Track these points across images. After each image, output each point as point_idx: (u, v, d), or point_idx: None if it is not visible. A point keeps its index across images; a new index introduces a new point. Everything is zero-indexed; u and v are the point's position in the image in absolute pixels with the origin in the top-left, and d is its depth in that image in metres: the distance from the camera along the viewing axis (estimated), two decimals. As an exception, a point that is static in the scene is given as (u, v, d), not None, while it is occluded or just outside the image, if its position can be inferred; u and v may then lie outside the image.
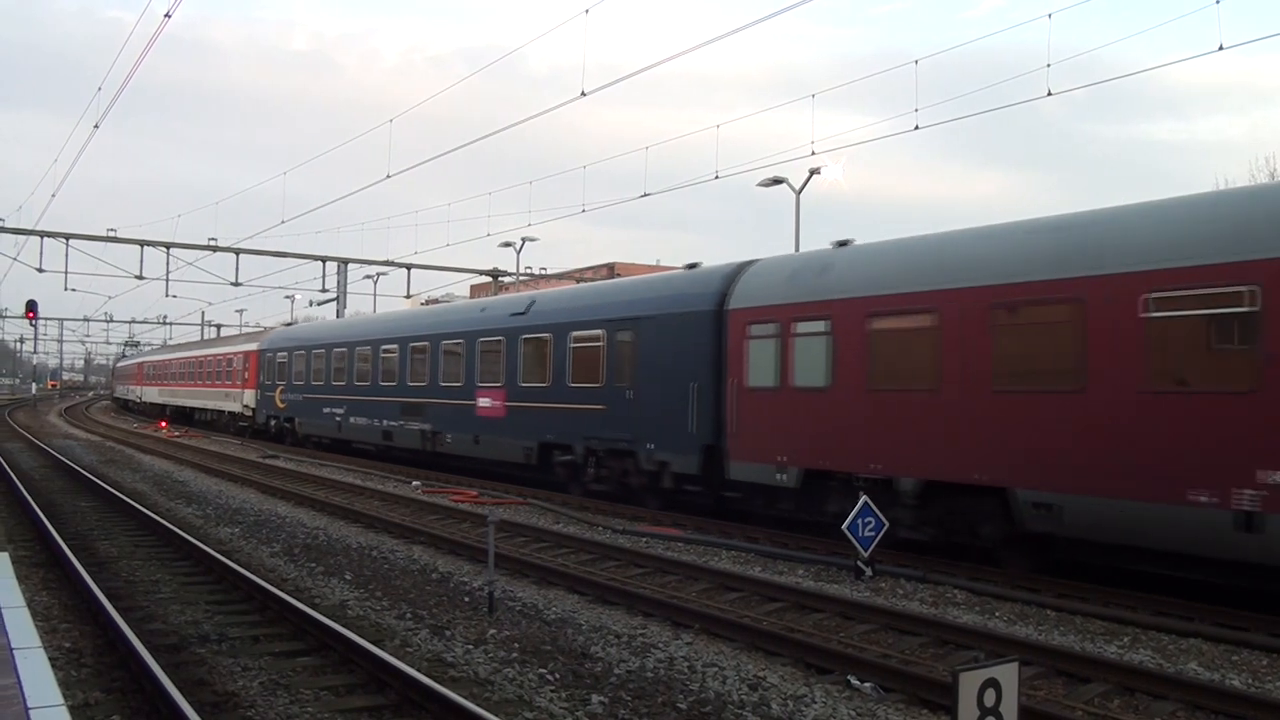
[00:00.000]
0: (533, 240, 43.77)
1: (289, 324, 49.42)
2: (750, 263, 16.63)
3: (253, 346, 39.84)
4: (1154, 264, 10.40)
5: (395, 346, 26.85)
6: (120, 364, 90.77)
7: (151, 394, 60.48)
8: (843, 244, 15.20)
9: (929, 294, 12.74)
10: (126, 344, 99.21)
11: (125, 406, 73.36)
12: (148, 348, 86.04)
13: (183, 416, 51.17)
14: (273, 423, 36.41)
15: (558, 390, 19.94)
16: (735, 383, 15.58)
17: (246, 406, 39.74)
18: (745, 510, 16.31)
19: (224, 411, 43.49)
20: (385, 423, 26.95)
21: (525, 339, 21.26)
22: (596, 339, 18.99)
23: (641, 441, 17.59)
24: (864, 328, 13.49)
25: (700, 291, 16.89)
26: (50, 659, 6.50)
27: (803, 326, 14.51)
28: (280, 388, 35.42)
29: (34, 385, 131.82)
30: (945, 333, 12.42)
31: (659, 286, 18.79)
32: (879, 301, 13.35)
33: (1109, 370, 10.74)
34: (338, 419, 29.95)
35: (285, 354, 35.29)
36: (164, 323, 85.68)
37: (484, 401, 22.41)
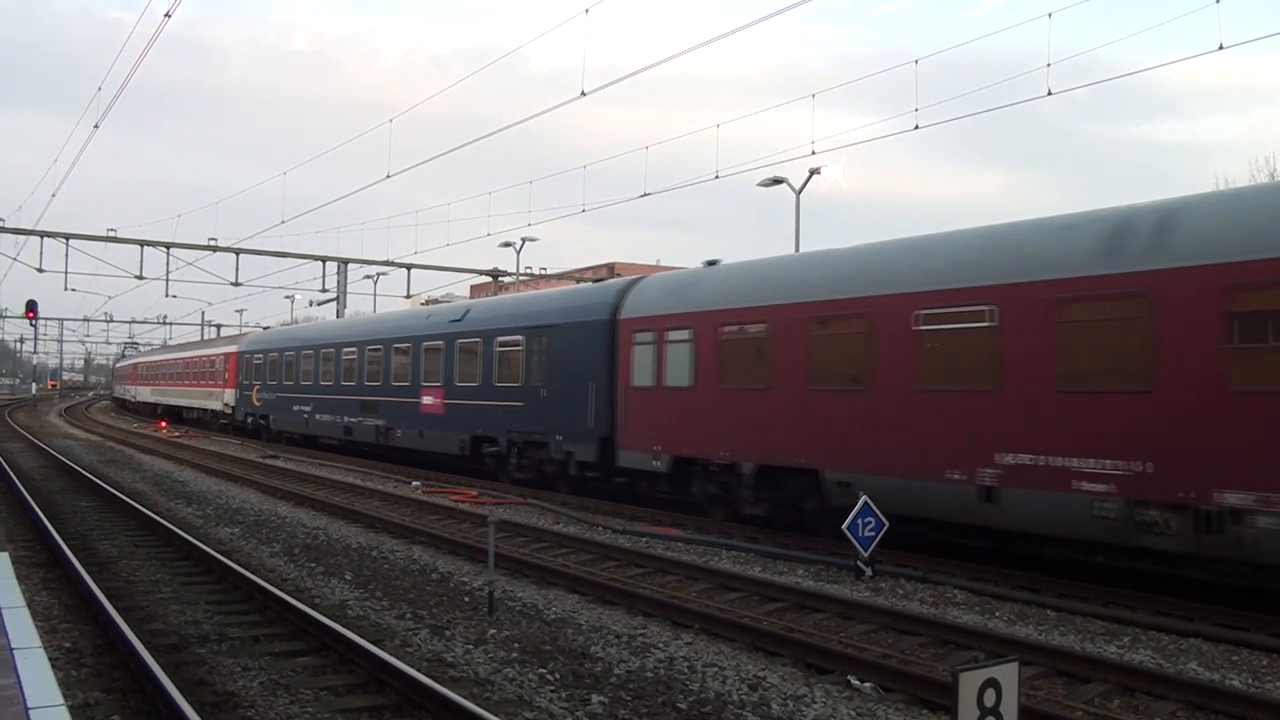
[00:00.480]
0: (533, 240, 43.84)
1: (266, 328, 53.25)
2: (639, 279, 19.72)
3: (233, 349, 42.76)
4: (922, 287, 12.93)
5: (354, 350, 29.62)
6: (119, 365, 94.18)
7: (145, 393, 63.66)
8: (711, 263, 18.01)
9: (763, 309, 15.23)
10: (126, 344, 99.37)
11: (123, 406, 76.02)
12: (146, 348, 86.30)
13: (173, 414, 53.49)
14: (250, 420, 39.01)
15: (486, 389, 22.49)
16: (624, 383, 18.11)
17: (227, 405, 42.54)
18: (632, 492, 18.83)
19: (208, 409, 46.26)
20: (346, 419, 29.60)
21: (461, 343, 23.84)
22: (518, 344, 21.58)
23: (552, 434, 20.08)
24: (717, 336, 15.99)
25: (599, 303, 19.43)
26: (50, 659, 6.50)
27: (673, 335, 16.96)
28: (257, 387, 38.14)
29: (34, 385, 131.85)
30: (776, 340, 14.84)
31: (569, 298, 21.76)
32: (727, 314, 15.90)
33: (891, 373, 13.14)
34: (306, 416, 32.61)
35: (261, 356, 38.11)
36: (164, 323, 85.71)
37: (427, 399, 24.95)
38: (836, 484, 13.76)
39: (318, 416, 31.79)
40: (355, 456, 29.94)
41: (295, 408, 33.64)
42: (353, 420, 29.12)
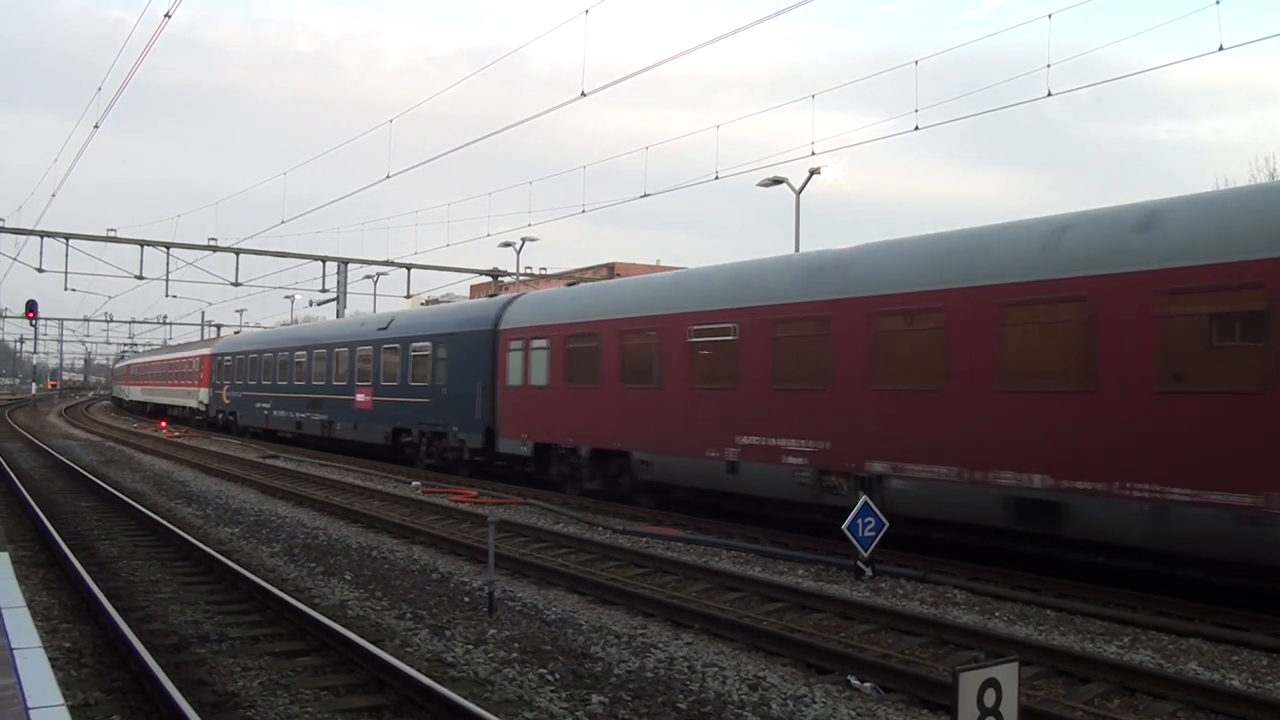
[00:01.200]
0: (533, 240, 43.83)
1: (237, 332, 59.19)
2: (515, 297, 23.90)
3: (207, 352, 47.32)
4: (693, 308, 16.76)
5: (304, 354, 33.61)
6: (116, 365, 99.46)
7: (136, 393, 68.75)
8: (572, 284, 22.65)
9: (593, 323, 19.21)
10: (126, 346, 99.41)
11: (120, 405, 79.87)
12: (144, 349, 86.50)
13: (159, 411, 57.46)
14: (220, 416, 43.21)
15: (404, 389, 26.31)
16: (501, 383, 21.97)
17: (202, 403, 47.07)
18: (510, 472, 22.37)
19: (186, 407, 50.75)
20: (297, 415, 33.80)
21: (385, 348, 27.63)
22: (426, 350, 25.32)
23: (450, 425, 23.97)
24: (565, 345, 19.89)
25: (484, 316, 23.31)
26: (50, 659, 6.50)
27: (536, 343, 20.87)
28: (226, 387, 42.46)
29: (34, 385, 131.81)
30: (602, 349, 18.74)
31: (464, 311, 26.13)
32: (571, 327, 19.89)
33: (673, 375, 16.91)
34: (265, 412, 36.98)
35: (230, 359, 42.31)
36: (164, 323, 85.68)
37: (360, 397, 28.88)
38: (640, 462, 17.68)
39: (275, 413, 36.02)
40: (305, 448, 33.21)
41: (257, 405, 37.95)
42: (302, 416, 33.29)
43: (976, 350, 12.25)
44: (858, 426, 13.65)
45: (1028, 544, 12.92)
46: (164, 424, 48.85)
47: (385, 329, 28.04)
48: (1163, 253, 10.61)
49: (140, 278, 35.61)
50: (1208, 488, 9.95)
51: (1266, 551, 9.77)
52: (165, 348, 70.41)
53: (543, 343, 20.59)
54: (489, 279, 43.92)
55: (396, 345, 26.99)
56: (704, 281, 17.38)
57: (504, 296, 25.39)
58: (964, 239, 13.30)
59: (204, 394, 46.59)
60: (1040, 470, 11.36)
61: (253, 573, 11.47)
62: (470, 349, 23.25)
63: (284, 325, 60.89)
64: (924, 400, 12.84)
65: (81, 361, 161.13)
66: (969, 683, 4.33)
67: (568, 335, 19.87)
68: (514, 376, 21.48)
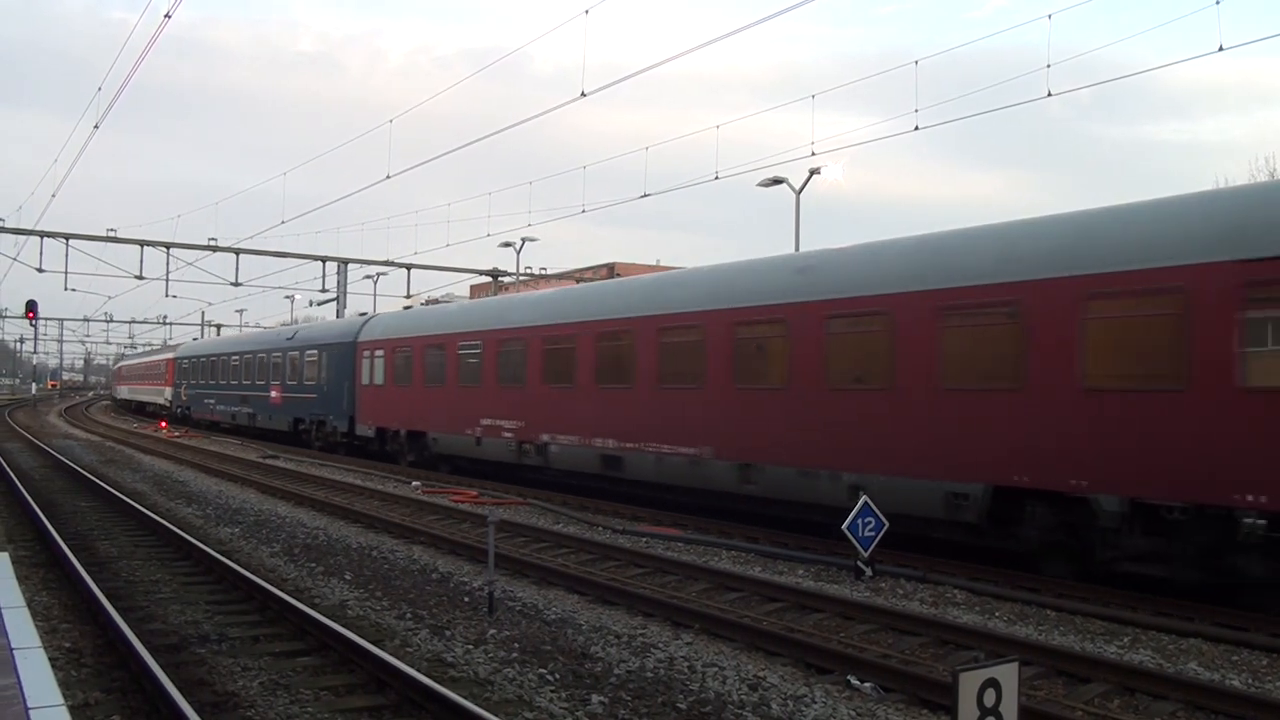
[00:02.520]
0: (533, 240, 43.78)
1: (196, 339, 70.17)
2: (372, 316, 32.60)
3: (170, 356, 56.12)
4: (459, 329, 23.90)
5: (237, 358, 41.15)
6: (113, 368, 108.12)
7: (125, 391, 78.37)
8: (407, 308, 30.36)
9: (409, 339, 26.22)
10: (127, 346, 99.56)
11: (115, 402, 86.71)
12: (144, 348, 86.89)
13: (140, 408, 66.30)
14: (179, 410, 51.36)
15: (300, 387, 33.90)
16: (358, 382, 29.15)
17: (167, 399, 55.65)
18: (364, 451, 29.14)
19: (156, 402, 59.85)
20: (232, 409, 41.24)
21: (290, 354, 34.96)
22: (315, 356, 32.80)
23: (328, 415, 31.46)
24: (392, 354, 27.03)
25: (349, 330, 30.82)
26: (50, 659, 6.50)
27: (378, 352, 27.89)
28: (184, 385, 50.55)
29: (34, 385, 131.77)
30: (414, 357, 25.70)
31: (339, 325, 33.97)
32: (397, 341, 26.90)
33: (451, 375, 23.78)
34: (210, 406, 45.12)
35: (188, 361, 50.55)
36: (164, 323, 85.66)
37: (273, 394, 36.42)
38: (432, 439, 24.59)
39: (217, 407, 43.85)
40: (241, 435, 39.98)
41: (205, 400, 46.09)
42: (235, 409, 40.79)
43: (585, 360, 19.14)
44: (535, 412, 20.46)
45: (605, 482, 19.40)
46: (164, 424, 48.92)
47: (291, 339, 35.61)
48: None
49: (140, 278, 35.61)
50: (679, 444, 16.48)
51: (700, 479, 16.29)
52: (144, 352, 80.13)
53: (381, 353, 27.81)
54: (489, 279, 43.92)
55: (296, 352, 34.31)
56: (464, 313, 25.14)
57: (365, 316, 33.95)
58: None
59: (168, 392, 54.93)
60: (613, 437, 18.13)
61: (253, 573, 11.47)
62: (340, 357, 30.45)
63: (300, 320, 66.38)
64: (565, 395, 19.60)
65: (81, 362, 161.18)
66: (969, 683, 4.33)
67: (394, 347, 27.06)
68: (365, 378, 28.64)
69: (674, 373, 16.75)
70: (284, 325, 48.23)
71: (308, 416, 32.86)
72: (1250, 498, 9.60)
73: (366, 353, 28.43)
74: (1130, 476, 10.48)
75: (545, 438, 19.86)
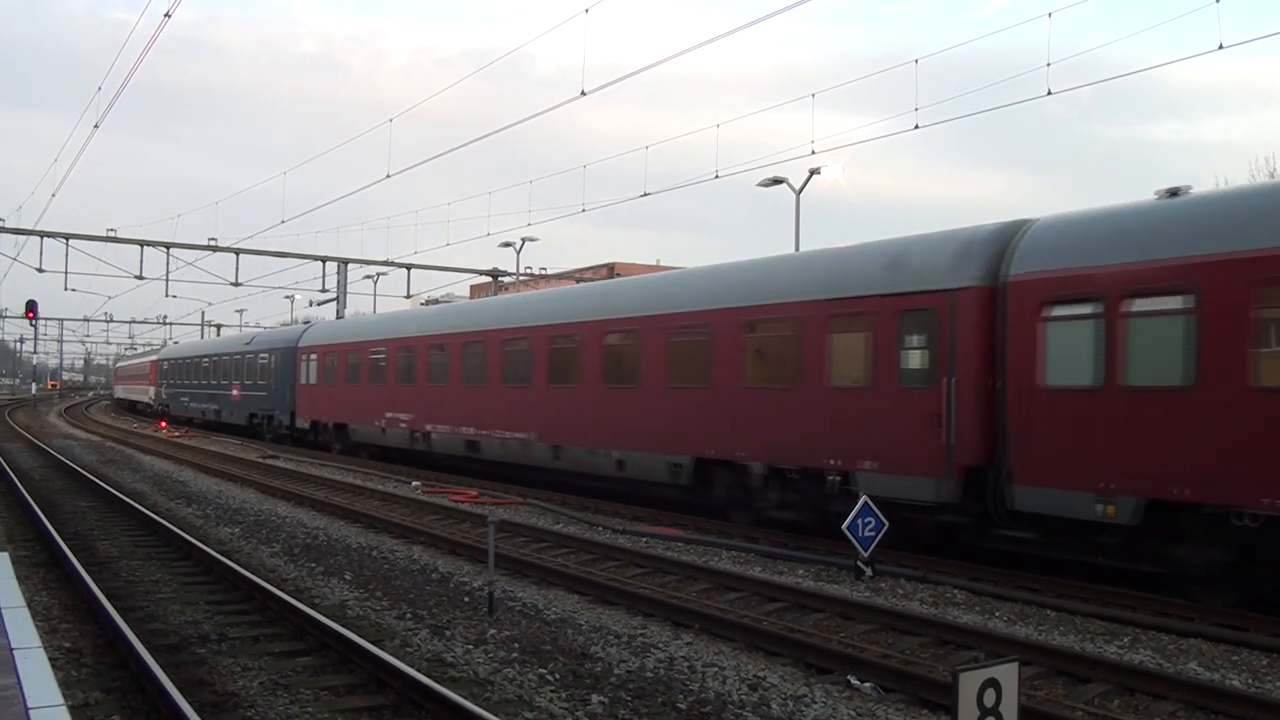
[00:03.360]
0: (533, 240, 43.78)
1: (176, 343, 75.89)
2: (314, 324, 38.52)
3: (154, 358, 63.52)
4: (369, 337, 29.59)
5: (208, 361, 46.76)
6: (112, 368, 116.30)
7: (120, 391, 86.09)
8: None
9: (333, 345, 31.49)
10: (127, 347, 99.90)
11: (113, 403, 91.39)
12: (143, 348, 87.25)
13: (131, 406, 73.44)
14: (160, 407, 56.87)
15: (254, 386, 39.01)
16: (297, 382, 34.13)
17: (151, 398, 62.32)
18: (303, 440, 33.79)
19: (142, 400, 67.39)
20: (203, 405, 46.96)
21: (247, 358, 39.99)
22: (266, 359, 37.76)
23: (275, 410, 36.37)
24: (324, 359, 31.88)
25: (292, 336, 36.14)
26: (50, 659, 6.50)
27: (313, 356, 32.86)
28: (164, 385, 56.72)
29: (34, 385, 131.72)
30: (338, 361, 30.51)
31: (285, 332, 39.92)
32: (323, 348, 32.20)
33: (365, 376, 28.62)
34: (185, 404, 50.79)
35: (167, 364, 57.10)
36: (164, 323, 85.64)
37: (234, 393, 41.57)
38: (352, 429, 29.62)
39: (190, 404, 49.50)
40: (213, 431, 44.38)
41: (181, 398, 51.81)
42: (205, 405, 46.46)
43: (456, 365, 24.22)
44: (422, 407, 25.29)
45: (471, 462, 24.46)
46: (164, 424, 48.94)
47: (249, 344, 40.90)
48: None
49: (140, 278, 35.63)
50: (515, 430, 21.23)
51: (528, 456, 20.90)
52: (136, 354, 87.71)
53: (314, 357, 32.77)
54: (489, 279, 43.91)
55: (252, 356, 39.28)
56: (375, 324, 31.37)
57: (308, 324, 41.21)
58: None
59: (152, 391, 61.64)
60: (472, 426, 22.97)
61: (253, 573, 11.47)
62: (285, 360, 35.29)
63: (299, 321, 70.36)
64: (442, 392, 24.63)
65: (81, 362, 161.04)
66: (969, 683, 4.33)
67: (324, 352, 32.17)
68: (303, 378, 33.72)
69: (513, 375, 21.79)
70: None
71: (260, 412, 38.16)
72: (831, 461, 14.06)
73: (304, 357, 33.51)
74: (771, 448, 15.06)
75: (429, 427, 24.98)
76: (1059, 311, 11.64)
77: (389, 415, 26.84)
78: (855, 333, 13.99)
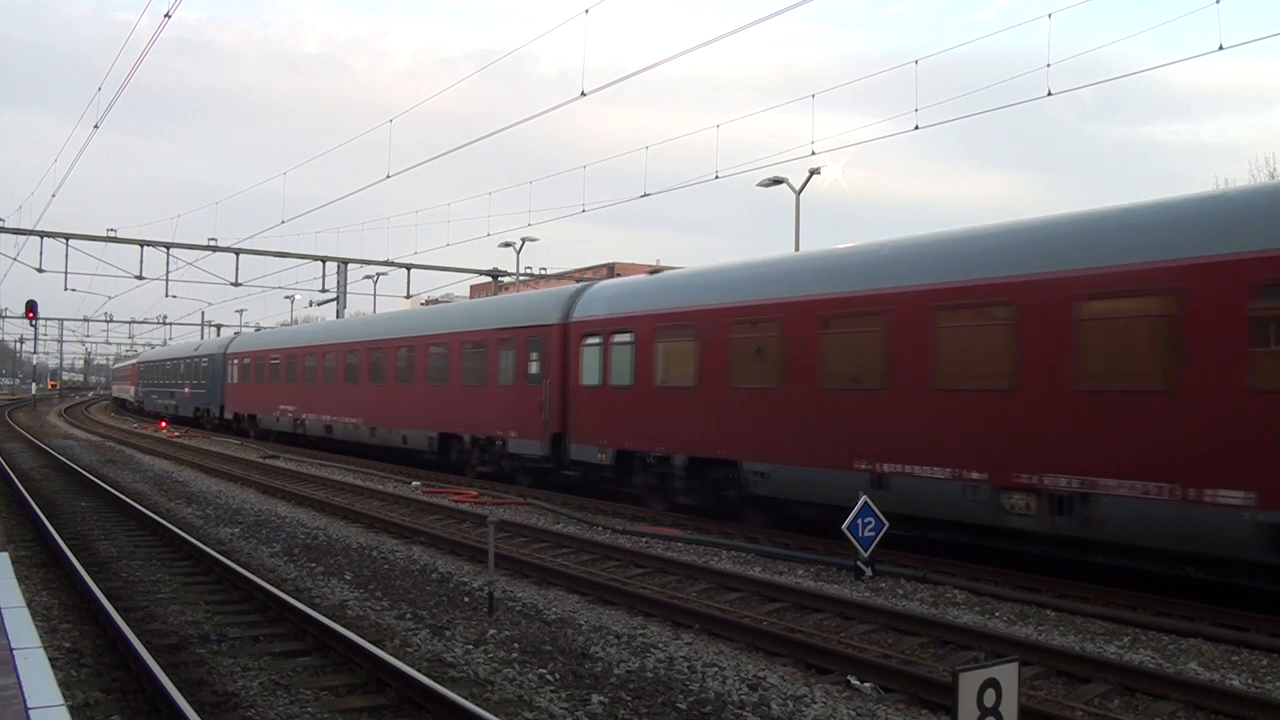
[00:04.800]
0: (533, 240, 43.80)
1: (152, 348, 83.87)
2: (239, 334, 51.58)
3: (134, 362, 76.83)
4: (299, 344, 35.61)
5: (170, 363, 56.26)
6: (112, 368, 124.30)
7: (115, 390, 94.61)
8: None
9: (256, 351, 38.97)
10: (126, 347, 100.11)
11: (113, 402, 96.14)
12: (144, 348, 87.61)
13: (124, 405, 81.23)
14: (137, 404, 68.15)
15: (198, 384, 48.07)
16: (226, 382, 42.50)
17: (132, 395, 73.06)
18: (230, 428, 41.95)
19: (124, 399, 79.74)
20: (165, 401, 56.12)
21: (194, 361, 49.22)
22: (205, 362, 46.73)
23: (211, 404, 45.26)
24: (242, 363, 40.57)
25: (224, 343, 45.13)
26: (50, 659, 6.50)
27: (244, 360, 40.01)
28: (140, 385, 67.81)
29: (34, 385, 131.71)
30: (282, 365, 35.59)
31: (218, 341, 50.34)
32: (249, 354, 39.85)
33: (268, 377, 37.20)
34: (155, 400, 60.07)
35: (143, 366, 67.89)
36: (164, 323, 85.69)
37: (186, 390, 50.90)
38: (259, 419, 37.74)
39: (158, 401, 58.80)
40: (183, 423, 50.30)
41: (152, 395, 61.76)
42: (167, 401, 55.59)
43: (320, 369, 31.98)
44: (302, 401, 32.55)
45: (329, 443, 31.84)
46: (164, 424, 48.96)
47: (196, 350, 50.55)
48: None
49: (140, 278, 35.67)
50: (351, 416, 29.39)
51: (358, 435, 28.95)
52: (126, 358, 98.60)
53: (236, 361, 41.29)
54: (489, 279, 43.91)
55: (195, 360, 49.06)
56: (272, 336, 39.63)
57: (236, 334, 53.28)
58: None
59: (133, 390, 72.82)
60: (329, 414, 30.90)
61: (253, 573, 11.47)
62: (217, 363, 44.21)
63: (300, 321, 78.34)
64: (312, 390, 32.65)
65: (81, 362, 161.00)
66: (969, 683, 4.33)
67: (242, 357, 40.39)
68: (229, 379, 42.32)
69: (350, 376, 29.52)
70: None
71: (201, 406, 47.65)
72: (498, 433, 21.83)
73: (229, 362, 42.29)
74: (467, 422, 23.30)
75: (304, 416, 33.07)
76: (588, 341, 19.00)
77: (281, 408, 35.33)
78: (507, 350, 21.85)
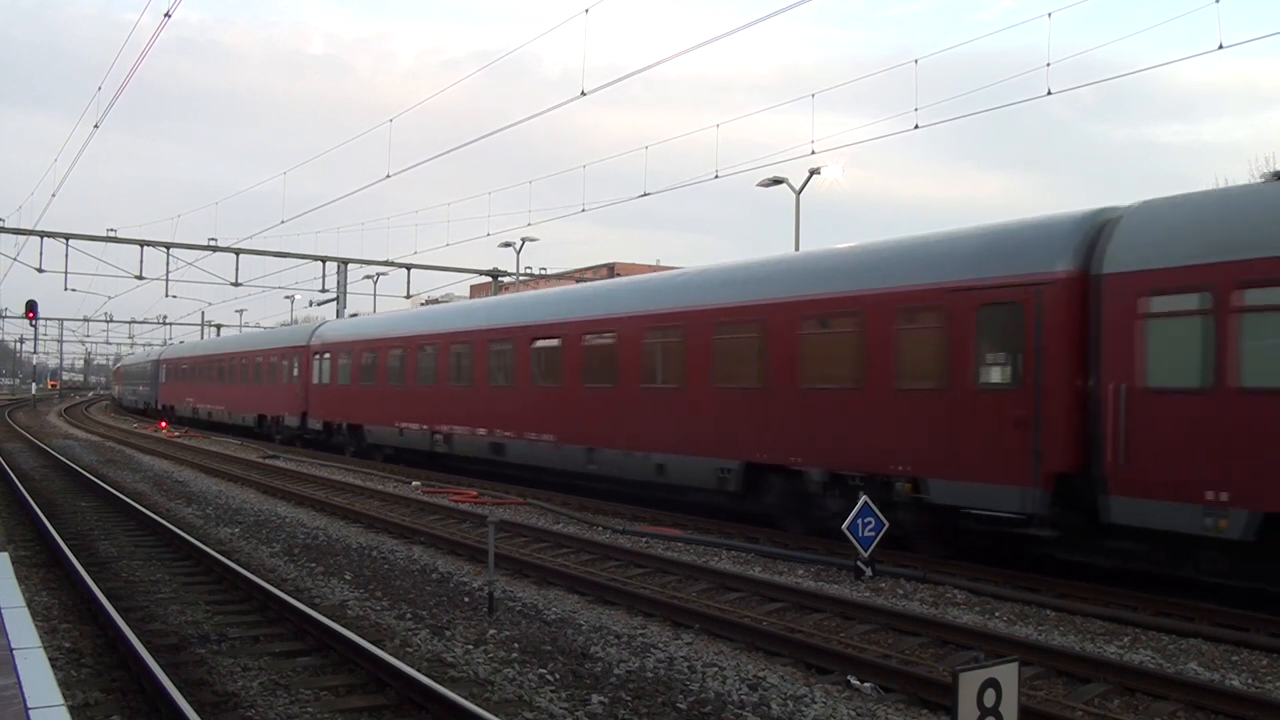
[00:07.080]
0: (533, 240, 43.81)
1: (132, 353, 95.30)
2: (171, 343, 76.01)
3: (119, 365, 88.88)
4: (230, 349, 46.57)
5: (135, 368, 70.79)
6: (111, 369, 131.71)
7: (113, 390, 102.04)
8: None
9: (179, 358, 56.50)
10: (126, 347, 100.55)
11: (112, 401, 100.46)
12: (143, 348, 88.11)
13: (117, 404, 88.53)
14: (120, 401, 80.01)
15: (145, 383, 64.43)
16: (159, 381, 59.81)
17: (116, 394, 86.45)
18: (161, 414, 55.49)
19: (111, 396, 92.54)
20: (132, 398, 67.90)
21: (145, 365, 65.89)
22: (152, 367, 61.81)
23: (153, 399, 60.57)
24: (167, 366, 58.86)
25: (156, 352, 65.96)
26: (50, 659, 6.50)
27: (183, 365, 55.07)
28: (121, 384, 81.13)
29: (34, 385, 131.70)
30: (192, 368, 52.08)
31: (157, 349, 72.16)
32: (171, 361, 58.09)
33: (232, 378, 43.31)
34: (131, 398, 71.72)
35: (123, 368, 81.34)
36: (164, 323, 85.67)
37: (141, 388, 64.94)
38: (195, 410, 48.86)
39: (129, 397, 71.02)
40: (211, 431, 49.05)
41: (128, 395, 74.36)
42: (134, 398, 67.00)
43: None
44: (277, 400, 36.67)
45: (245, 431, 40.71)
46: (164, 424, 48.98)
47: (148, 356, 63.52)
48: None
49: (140, 278, 35.66)
50: (283, 409, 36.63)
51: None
52: (124, 357, 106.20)
53: (164, 365, 55.13)
54: (489, 279, 43.91)
55: (146, 364, 62.56)
56: (209, 344, 52.57)
57: (168, 343, 73.58)
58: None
59: (118, 389, 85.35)
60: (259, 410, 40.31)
61: (253, 573, 11.47)
62: (156, 367, 57.12)
63: (300, 321, 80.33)
64: (214, 387, 46.70)
65: (81, 362, 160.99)
66: (969, 683, 4.33)
67: (174, 363, 53.43)
68: (160, 378, 55.37)
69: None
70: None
71: (151, 401, 59.59)
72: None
73: (162, 365, 56.82)
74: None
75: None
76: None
77: (196, 404, 48.37)
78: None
